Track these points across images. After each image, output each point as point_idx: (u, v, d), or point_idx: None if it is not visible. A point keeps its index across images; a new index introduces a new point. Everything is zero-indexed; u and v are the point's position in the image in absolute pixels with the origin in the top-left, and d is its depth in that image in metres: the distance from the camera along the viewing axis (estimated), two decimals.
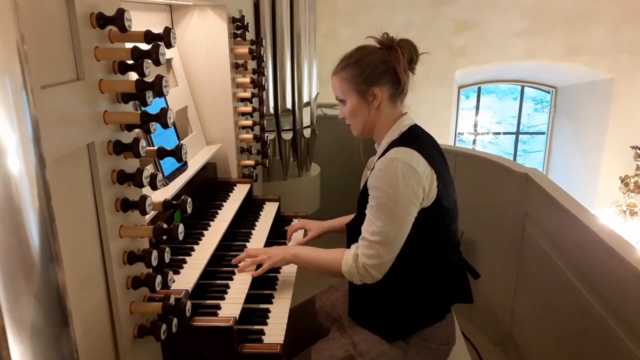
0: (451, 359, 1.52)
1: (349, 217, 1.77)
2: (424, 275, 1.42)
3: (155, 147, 1.04)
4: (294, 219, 2.11)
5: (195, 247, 1.51)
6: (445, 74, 6.02)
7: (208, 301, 1.38)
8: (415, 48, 1.44)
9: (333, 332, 1.54)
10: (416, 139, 1.40)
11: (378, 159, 1.41)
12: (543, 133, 7.54)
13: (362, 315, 1.48)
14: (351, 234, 1.51)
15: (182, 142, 1.75)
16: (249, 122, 2.12)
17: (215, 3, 1.86)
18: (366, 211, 1.37)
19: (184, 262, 1.42)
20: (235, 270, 1.54)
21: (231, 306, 1.36)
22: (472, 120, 7.89)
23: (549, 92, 7.24)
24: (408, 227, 1.34)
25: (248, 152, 2.14)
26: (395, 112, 1.45)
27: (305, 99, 3.11)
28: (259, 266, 1.53)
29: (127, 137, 0.98)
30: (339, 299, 1.67)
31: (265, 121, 2.16)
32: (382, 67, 1.40)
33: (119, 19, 0.87)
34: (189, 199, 1.11)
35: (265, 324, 1.43)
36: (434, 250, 1.42)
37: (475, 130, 7.99)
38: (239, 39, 1.99)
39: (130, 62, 0.93)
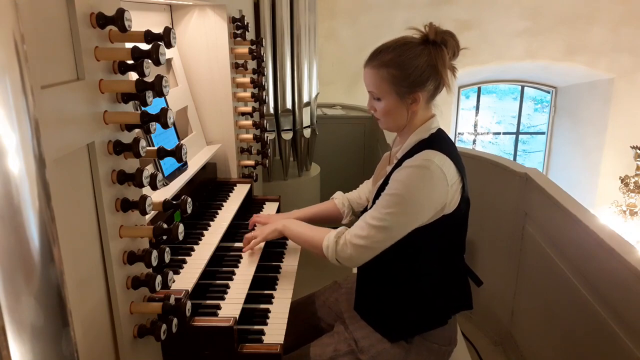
0: (451, 359, 1.52)
1: (317, 207, 1.77)
2: (433, 279, 1.42)
3: (155, 147, 1.04)
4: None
5: (195, 247, 1.51)
6: None
7: (208, 301, 1.38)
8: (458, 43, 1.36)
9: (337, 325, 1.55)
10: (446, 142, 1.37)
11: (403, 154, 1.37)
12: (543, 133, 7.54)
13: (367, 311, 1.48)
14: None
15: (182, 142, 1.75)
16: (249, 122, 2.12)
17: (215, 3, 1.86)
18: (378, 200, 1.34)
19: (184, 262, 1.42)
20: (243, 250, 1.58)
21: (231, 306, 1.36)
22: (472, 120, 7.89)
23: (549, 92, 7.24)
24: (411, 227, 1.31)
25: (248, 152, 2.14)
26: (428, 113, 1.40)
27: (305, 99, 3.11)
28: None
29: (127, 137, 0.98)
30: (342, 295, 1.66)
31: (265, 121, 2.16)
32: (429, 71, 1.32)
33: (119, 19, 0.87)
34: (189, 199, 1.11)
35: (265, 324, 1.42)
36: (447, 256, 1.42)
37: (475, 130, 7.99)
38: (239, 38, 1.99)
39: (130, 62, 0.93)
